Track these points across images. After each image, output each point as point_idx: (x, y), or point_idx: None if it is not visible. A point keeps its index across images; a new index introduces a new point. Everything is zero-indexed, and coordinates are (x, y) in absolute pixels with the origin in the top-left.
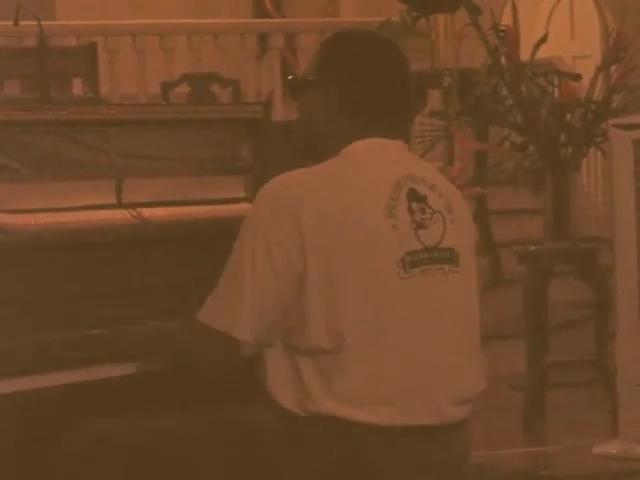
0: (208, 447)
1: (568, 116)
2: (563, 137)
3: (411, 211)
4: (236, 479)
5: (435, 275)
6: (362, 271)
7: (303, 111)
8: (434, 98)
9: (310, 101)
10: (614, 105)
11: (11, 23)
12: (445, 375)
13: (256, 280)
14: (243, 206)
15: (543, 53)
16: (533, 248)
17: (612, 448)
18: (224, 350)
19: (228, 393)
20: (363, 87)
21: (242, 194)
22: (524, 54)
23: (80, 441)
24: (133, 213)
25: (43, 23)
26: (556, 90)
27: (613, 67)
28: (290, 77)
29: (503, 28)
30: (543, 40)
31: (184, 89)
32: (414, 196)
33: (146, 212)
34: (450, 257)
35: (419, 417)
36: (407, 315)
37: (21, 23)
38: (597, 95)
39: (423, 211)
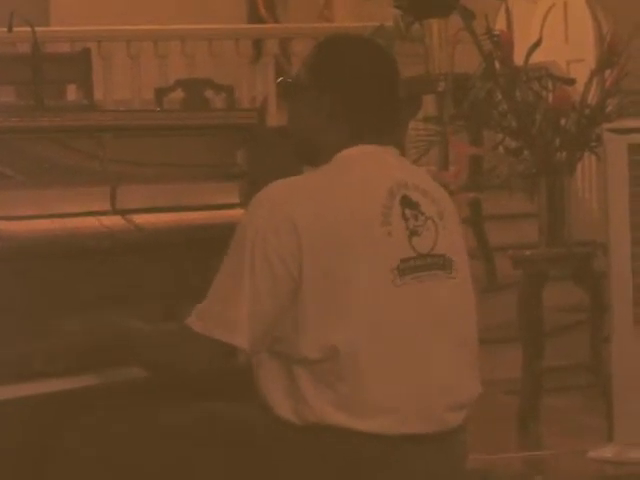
0: (205, 450)
1: (562, 120)
2: (557, 142)
3: (405, 218)
4: None
5: (429, 281)
6: (357, 279)
7: (295, 115)
8: (428, 103)
9: (302, 106)
10: (608, 109)
11: (5, 29)
12: (443, 382)
13: (255, 287)
14: (238, 212)
15: (537, 58)
16: (528, 253)
17: (607, 452)
18: (218, 358)
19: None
20: (356, 94)
21: (236, 200)
22: (518, 59)
23: (76, 438)
24: (127, 219)
25: (37, 29)
26: (550, 95)
27: (607, 71)
28: (281, 79)
29: (497, 33)
30: (537, 44)
31: (178, 95)
32: (407, 203)
33: (140, 218)
34: (443, 263)
35: (417, 425)
36: (402, 322)
37: (15, 29)
38: (591, 99)
39: (416, 218)
